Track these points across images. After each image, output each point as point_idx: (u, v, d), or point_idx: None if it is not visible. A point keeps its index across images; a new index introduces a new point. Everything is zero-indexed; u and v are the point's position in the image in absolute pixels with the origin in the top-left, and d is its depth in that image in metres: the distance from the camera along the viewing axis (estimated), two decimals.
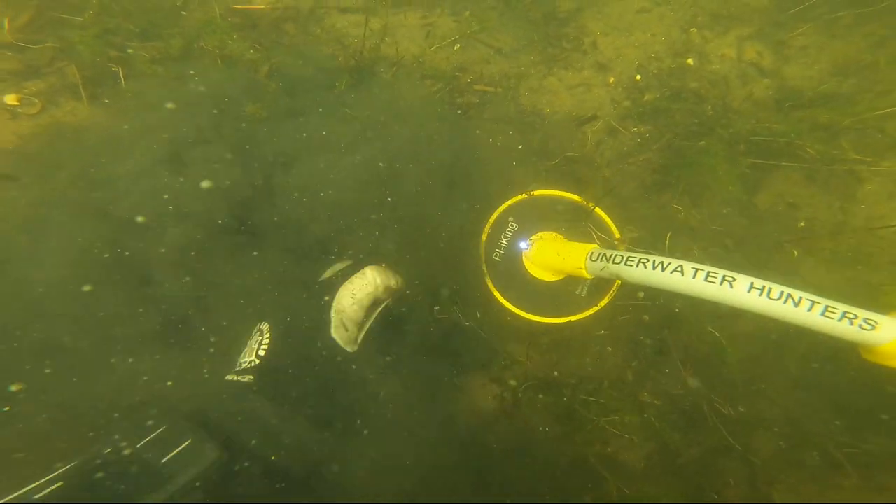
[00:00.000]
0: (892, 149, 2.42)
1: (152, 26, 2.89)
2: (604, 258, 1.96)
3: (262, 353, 1.87)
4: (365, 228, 2.33)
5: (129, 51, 2.83)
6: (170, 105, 2.53)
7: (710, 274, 1.59)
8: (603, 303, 2.34)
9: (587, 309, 2.37)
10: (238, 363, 1.94)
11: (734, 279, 1.56)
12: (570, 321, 2.34)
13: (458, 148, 2.62)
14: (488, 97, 2.90)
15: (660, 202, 2.51)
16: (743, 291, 1.54)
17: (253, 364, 1.85)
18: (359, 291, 1.90)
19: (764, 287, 1.52)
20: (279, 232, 2.31)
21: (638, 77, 2.88)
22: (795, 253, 2.17)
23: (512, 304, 2.41)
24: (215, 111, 2.57)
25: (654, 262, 1.73)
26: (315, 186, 2.36)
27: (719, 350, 2.11)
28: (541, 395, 2.29)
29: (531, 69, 2.96)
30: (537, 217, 2.49)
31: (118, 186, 2.32)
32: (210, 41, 2.84)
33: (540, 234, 2.46)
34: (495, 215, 2.49)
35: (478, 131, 2.73)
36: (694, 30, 3.04)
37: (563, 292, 2.41)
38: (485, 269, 2.45)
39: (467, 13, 3.12)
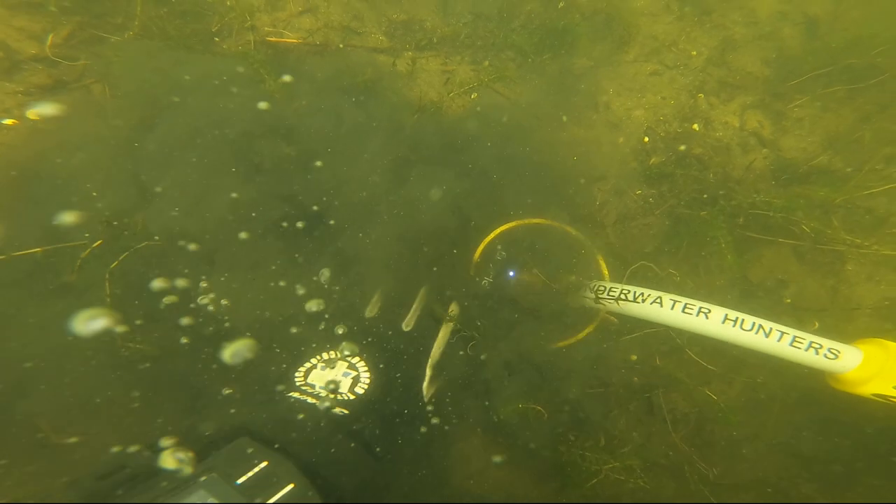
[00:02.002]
0: (878, 228, 2.58)
1: (187, 50, 2.93)
2: (586, 288, 2.08)
3: (359, 391, 1.85)
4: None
5: (162, 72, 2.87)
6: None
7: (688, 305, 1.70)
8: (584, 333, 2.38)
9: (571, 337, 2.41)
10: (311, 385, 1.88)
11: (710, 311, 1.68)
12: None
13: (465, 200, 2.72)
14: (500, 148, 3.00)
15: (658, 266, 2.65)
16: (718, 322, 1.66)
17: (346, 398, 1.82)
18: (443, 344, 2.02)
19: (738, 318, 1.65)
20: None
21: (646, 139, 3.01)
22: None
23: None
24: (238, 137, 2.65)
25: (634, 293, 1.85)
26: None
27: (707, 413, 2.25)
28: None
29: (544, 123, 3.07)
30: (528, 247, 2.56)
31: None
32: (243, 68, 2.90)
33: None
34: (486, 242, 2.56)
35: (491, 181, 2.84)
36: (701, 95, 3.19)
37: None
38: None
39: (486, 63, 3.22)
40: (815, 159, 2.91)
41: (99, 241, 2.23)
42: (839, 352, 1.62)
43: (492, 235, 2.58)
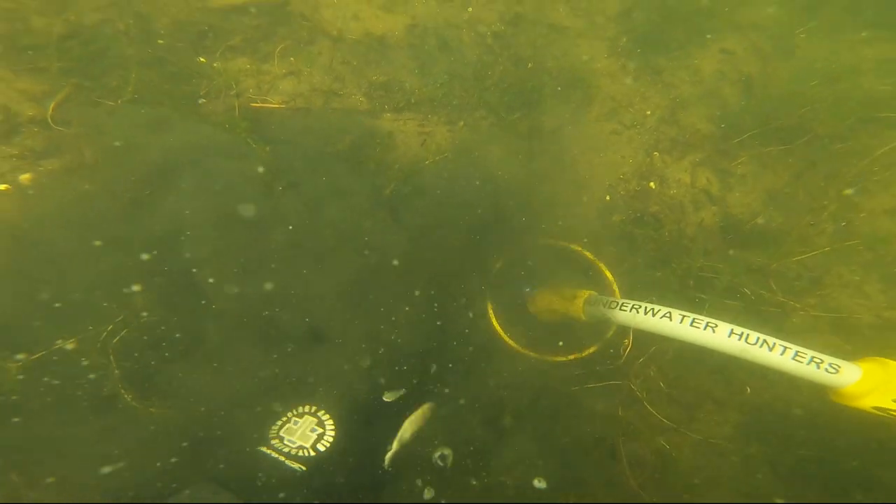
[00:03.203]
0: (811, 290, 2.86)
1: (178, 116, 2.96)
2: (600, 303, 2.25)
3: (321, 448, 1.94)
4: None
5: (153, 139, 2.88)
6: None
7: (696, 320, 1.84)
8: (593, 349, 2.75)
9: (582, 351, 2.76)
10: (280, 438, 1.98)
11: (716, 325, 1.80)
12: (568, 360, 2.75)
13: (442, 263, 2.89)
14: (471, 208, 3.13)
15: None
16: (724, 336, 1.77)
17: (307, 454, 1.91)
18: (418, 423, 2.16)
19: (743, 333, 1.76)
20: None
21: (608, 198, 3.27)
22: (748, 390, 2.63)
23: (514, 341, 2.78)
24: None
25: (644, 308, 2.01)
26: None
27: (666, 460, 2.51)
28: None
29: (514, 185, 3.26)
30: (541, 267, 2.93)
31: None
32: (228, 137, 2.97)
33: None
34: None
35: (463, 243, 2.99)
36: (656, 154, 3.46)
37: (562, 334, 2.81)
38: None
39: (461, 123, 3.40)
40: (758, 216, 3.21)
41: (110, 326, 2.30)
42: (839, 367, 1.71)
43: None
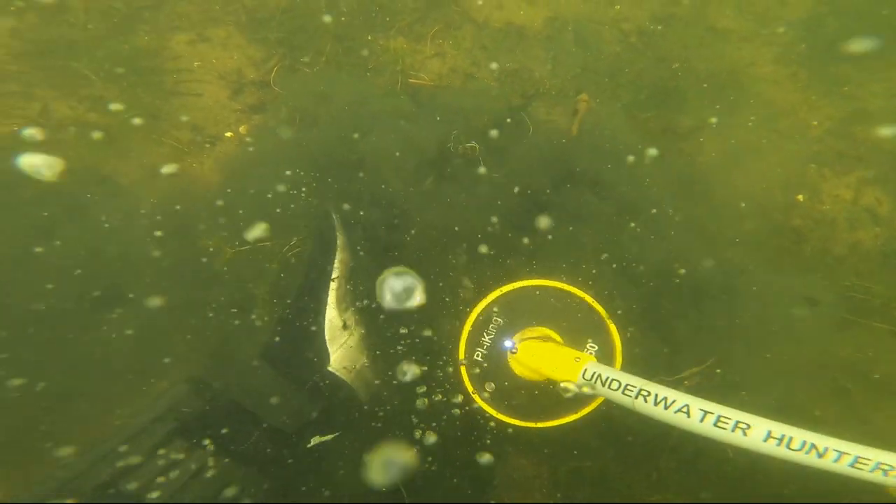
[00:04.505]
0: None
1: (354, 82, 3.45)
2: (599, 379, 1.82)
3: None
4: None
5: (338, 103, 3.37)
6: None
7: (721, 418, 1.50)
8: (588, 410, 2.21)
9: (571, 414, 2.23)
10: None
11: (748, 426, 1.46)
12: (550, 426, 2.23)
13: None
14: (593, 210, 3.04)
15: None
16: (758, 440, 1.45)
17: None
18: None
19: (784, 436, 1.42)
20: None
21: (743, 204, 2.91)
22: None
23: (490, 405, 2.27)
24: None
25: (656, 396, 1.61)
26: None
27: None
28: None
29: (638, 182, 3.08)
30: (527, 311, 2.34)
31: None
32: (385, 104, 3.35)
33: (531, 328, 2.29)
34: (481, 306, 2.34)
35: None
36: (813, 165, 3.00)
37: (547, 393, 2.22)
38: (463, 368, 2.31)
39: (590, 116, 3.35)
40: None
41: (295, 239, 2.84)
42: None
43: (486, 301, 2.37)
